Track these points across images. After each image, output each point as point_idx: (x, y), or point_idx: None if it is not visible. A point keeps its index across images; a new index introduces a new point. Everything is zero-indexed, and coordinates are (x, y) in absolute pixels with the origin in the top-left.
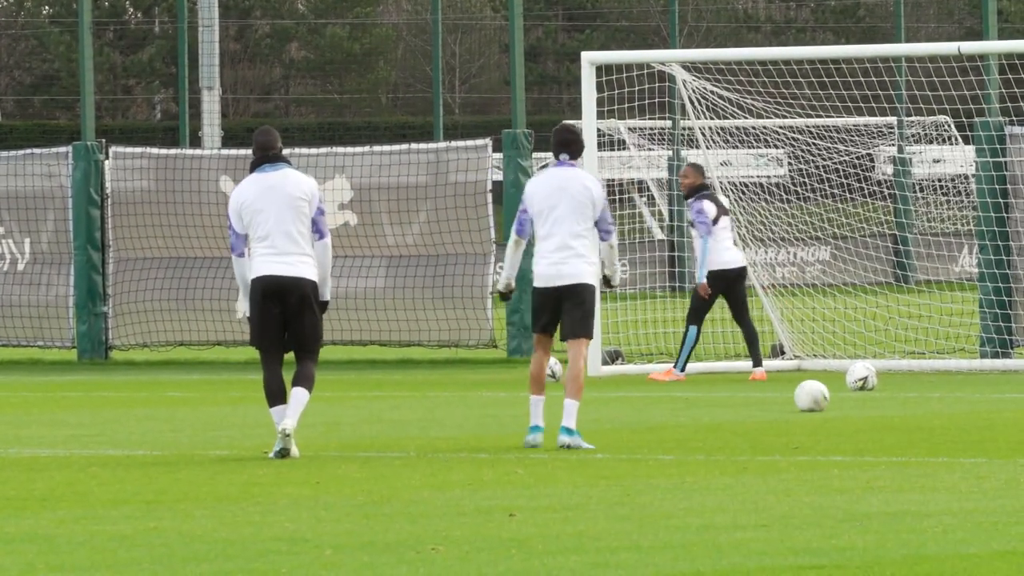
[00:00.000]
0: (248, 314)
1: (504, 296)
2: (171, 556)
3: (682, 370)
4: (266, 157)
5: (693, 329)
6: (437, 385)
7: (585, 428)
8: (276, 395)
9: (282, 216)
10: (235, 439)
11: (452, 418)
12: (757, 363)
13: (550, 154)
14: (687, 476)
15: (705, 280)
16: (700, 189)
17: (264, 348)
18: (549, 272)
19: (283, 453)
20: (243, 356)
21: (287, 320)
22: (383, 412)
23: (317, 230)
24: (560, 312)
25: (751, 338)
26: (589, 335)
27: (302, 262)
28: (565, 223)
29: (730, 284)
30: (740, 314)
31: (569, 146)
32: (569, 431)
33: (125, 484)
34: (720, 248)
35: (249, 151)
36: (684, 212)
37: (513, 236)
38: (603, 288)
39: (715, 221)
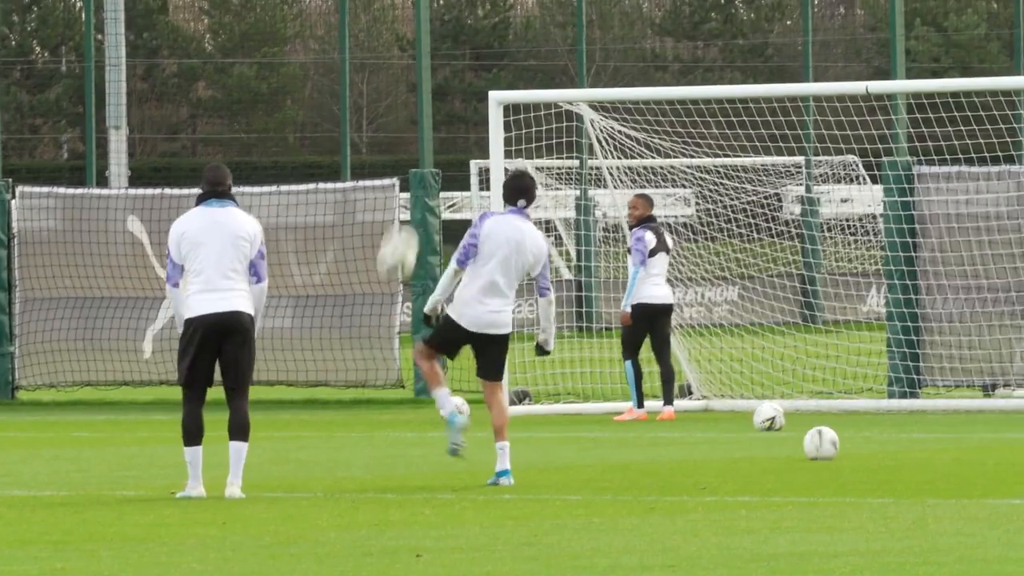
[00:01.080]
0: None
1: (428, 320)
2: None
3: (640, 406)
4: (214, 192)
5: (628, 364)
6: (344, 425)
7: (492, 468)
8: (194, 435)
9: (223, 253)
10: (142, 479)
11: (359, 458)
12: (668, 402)
13: (458, 193)
14: (595, 516)
15: (629, 309)
16: (648, 220)
17: (192, 387)
18: (483, 319)
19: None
20: (150, 396)
21: (222, 356)
22: (290, 452)
23: (255, 272)
24: (475, 351)
25: (667, 376)
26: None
27: (238, 296)
28: (509, 273)
29: (654, 319)
30: (660, 351)
31: (527, 192)
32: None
33: (31, 525)
34: (650, 282)
35: (158, 191)
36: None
37: (454, 265)
38: (536, 355)
39: (652, 254)
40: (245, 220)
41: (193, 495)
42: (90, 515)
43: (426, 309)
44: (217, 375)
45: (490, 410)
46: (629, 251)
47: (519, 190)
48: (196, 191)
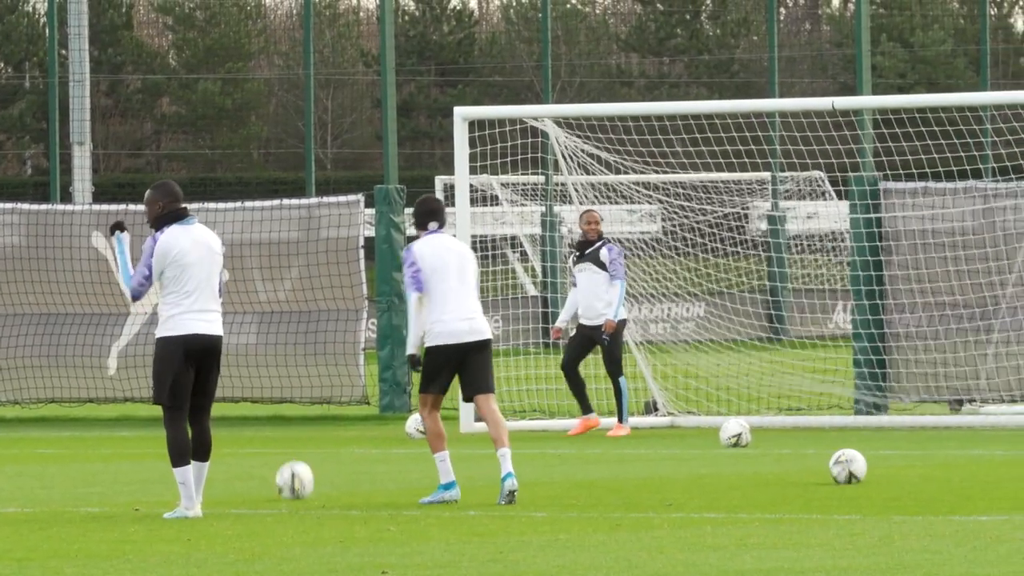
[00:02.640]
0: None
1: (416, 362)
2: None
3: (586, 413)
4: (184, 210)
5: (621, 380)
6: (309, 442)
7: (459, 485)
8: (185, 454)
9: (210, 272)
10: (106, 496)
11: (324, 475)
12: (621, 419)
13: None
14: (560, 533)
15: (616, 319)
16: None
17: (179, 406)
18: (461, 328)
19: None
20: (114, 413)
21: (199, 376)
22: (255, 469)
23: (220, 290)
24: (460, 369)
25: (618, 393)
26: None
27: (218, 319)
28: (465, 280)
29: (594, 336)
30: (611, 368)
31: (437, 215)
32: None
33: None
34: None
35: (122, 207)
36: (600, 252)
37: (414, 295)
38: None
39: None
40: (215, 236)
41: (191, 515)
42: (54, 532)
43: (410, 350)
44: None
45: (487, 424)
46: (603, 265)
47: (428, 213)
48: None
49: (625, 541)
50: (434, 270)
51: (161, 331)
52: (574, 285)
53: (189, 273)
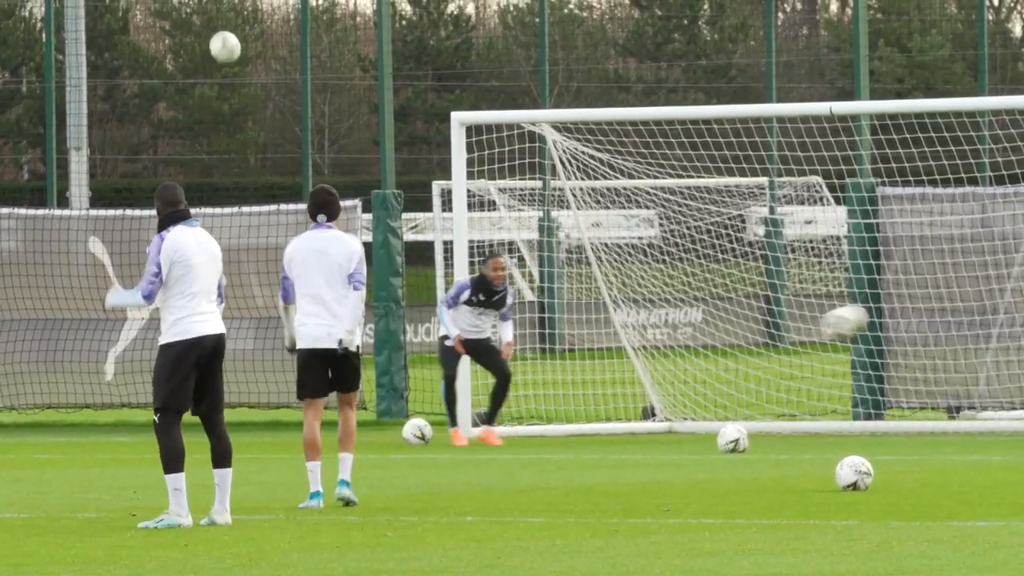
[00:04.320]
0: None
1: (292, 351)
2: None
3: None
4: (185, 211)
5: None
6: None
7: (455, 490)
8: (180, 460)
9: (212, 275)
10: (103, 501)
11: (321, 480)
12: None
13: (420, 214)
14: (557, 539)
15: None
16: None
17: (176, 409)
18: (318, 333)
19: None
20: (111, 418)
21: (206, 378)
22: (252, 474)
23: (221, 294)
24: (329, 373)
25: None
26: (355, 388)
27: (219, 317)
28: (329, 286)
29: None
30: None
31: (327, 207)
32: (347, 483)
33: None
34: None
35: (119, 212)
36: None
37: (280, 304)
38: (339, 351)
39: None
40: (215, 242)
41: (185, 523)
42: (51, 537)
43: (287, 344)
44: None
45: (340, 421)
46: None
47: (318, 205)
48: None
49: (622, 547)
50: (299, 276)
51: (169, 336)
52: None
53: (195, 274)
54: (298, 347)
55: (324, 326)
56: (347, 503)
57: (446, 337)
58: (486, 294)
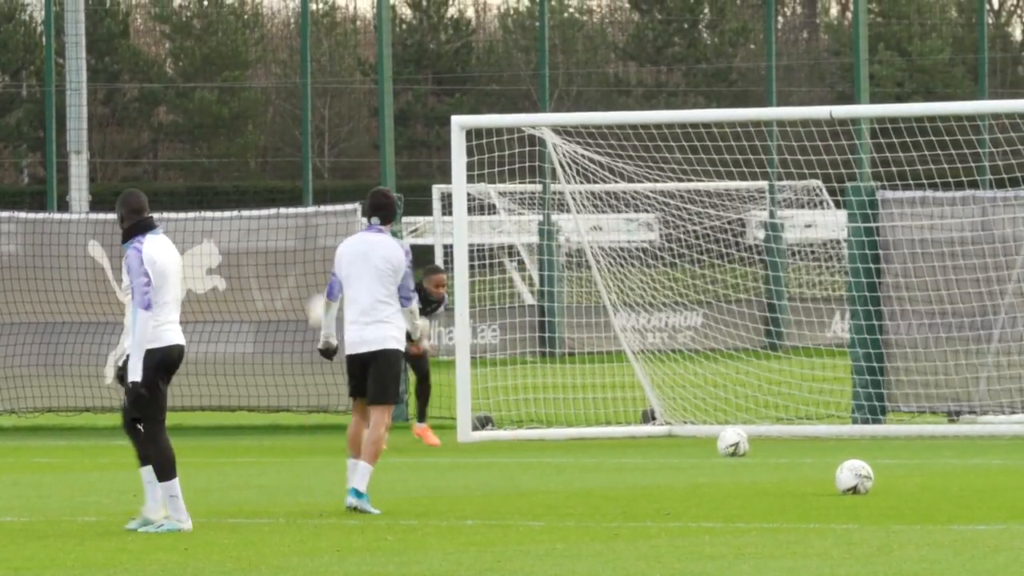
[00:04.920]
0: (138, 383)
1: (325, 354)
2: None
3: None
4: (151, 220)
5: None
6: (306, 451)
7: (455, 494)
8: (175, 464)
9: (179, 284)
10: (103, 505)
11: (321, 484)
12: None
13: (420, 218)
14: (558, 543)
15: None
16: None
17: (163, 419)
18: (353, 338)
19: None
20: (111, 422)
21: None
22: (252, 478)
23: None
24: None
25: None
26: (392, 401)
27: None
28: (369, 289)
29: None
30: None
31: (380, 210)
32: (358, 494)
33: None
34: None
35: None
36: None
37: (324, 299)
38: (407, 343)
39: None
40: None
41: (185, 528)
42: (51, 541)
43: (320, 347)
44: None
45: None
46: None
47: (372, 207)
48: (158, 216)
49: (622, 550)
50: (346, 277)
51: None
52: None
53: (168, 284)
54: (346, 352)
55: (358, 331)
56: (354, 510)
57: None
58: (423, 302)
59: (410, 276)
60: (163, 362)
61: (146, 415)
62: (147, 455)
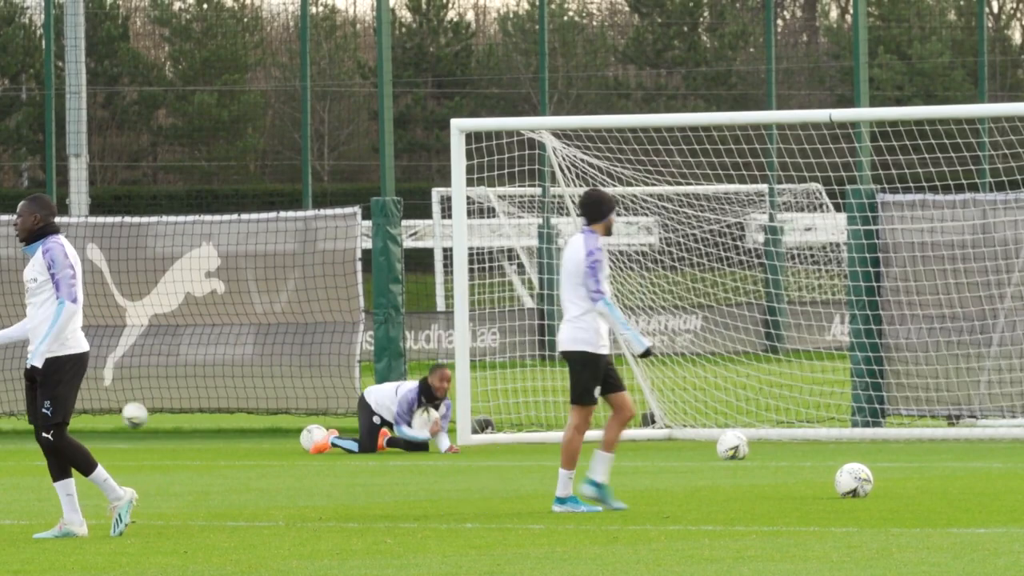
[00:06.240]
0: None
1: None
2: None
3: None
4: (57, 224)
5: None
6: (306, 454)
7: (455, 497)
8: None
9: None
10: (102, 508)
11: (321, 487)
12: None
13: (420, 221)
14: (557, 546)
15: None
16: None
17: (68, 421)
18: (560, 337)
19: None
20: (110, 424)
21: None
22: (251, 481)
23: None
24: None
25: None
26: (575, 401)
27: None
28: (564, 289)
29: None
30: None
31: (583, 209)
32: (594, 482)
33: None
34: None
35: (118, 219)
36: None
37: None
38: (639, 358)
39: None
40: None
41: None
42: (50, 544)
43: (647, 345)
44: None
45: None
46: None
47: (578, 207)
48: (157, 219)
49: (622, 554)
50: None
51: (67, 348)
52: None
53: (79, 285)
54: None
55: (563, 331)
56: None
57: (374, 415)
58: (428, 398)
59: (589, 275)
60: (83, 366)
61: (65, 419)
62: (63, 467)
